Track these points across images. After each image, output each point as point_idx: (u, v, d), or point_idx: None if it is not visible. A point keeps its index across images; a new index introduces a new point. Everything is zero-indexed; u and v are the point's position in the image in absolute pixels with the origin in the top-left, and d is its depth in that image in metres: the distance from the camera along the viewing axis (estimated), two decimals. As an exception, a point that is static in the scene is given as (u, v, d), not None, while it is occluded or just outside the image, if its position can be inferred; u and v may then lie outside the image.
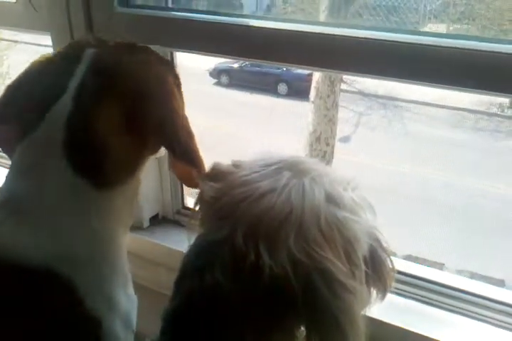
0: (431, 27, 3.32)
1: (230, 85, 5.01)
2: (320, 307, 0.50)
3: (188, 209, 1.14)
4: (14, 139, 0.71)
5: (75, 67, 0.69)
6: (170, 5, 0.96)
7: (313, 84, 3.63)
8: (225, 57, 0.90)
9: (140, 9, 0.91)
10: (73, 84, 0.68)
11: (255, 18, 0.83)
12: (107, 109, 0.69)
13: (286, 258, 0.50)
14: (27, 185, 0.68)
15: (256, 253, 0.50)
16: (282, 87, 4.84)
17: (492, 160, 3.77)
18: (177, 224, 1.13)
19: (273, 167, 0.58)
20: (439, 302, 0.87)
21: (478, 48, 0.67)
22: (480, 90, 0.70)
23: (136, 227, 1.09)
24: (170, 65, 0.79)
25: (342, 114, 3.90)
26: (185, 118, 0.74)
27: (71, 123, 0.67)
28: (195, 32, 0.87)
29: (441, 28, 3.21)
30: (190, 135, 0.74)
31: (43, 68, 0.73)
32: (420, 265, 0.91)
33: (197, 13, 0.87)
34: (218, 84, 4.98)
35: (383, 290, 0.61)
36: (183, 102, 0.77)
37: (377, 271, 0.59)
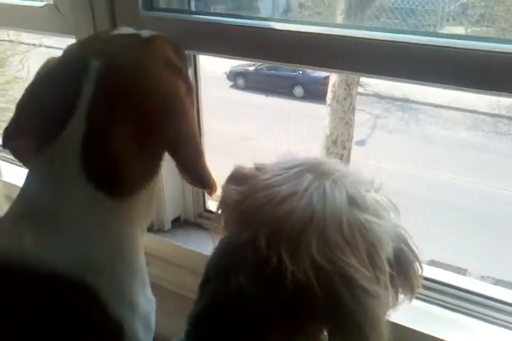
0: (449, 29, 3.31)
1: (246, 88, 5.00)
2: (342, 313, 0.50)
3: (210, 212, 1.15)
4: (29, 152, 0.73)
5: (82, 82, 0.69)
6: (193, 8, 0.97)
7: (330, 88, 3.63)
8: (248, 60, 0.90)
9: (164, 12, 0.92)
10: (84, 100, 0.69)
11: (278, 21, 0.83)
12: (118, 125, 0.70)
13: (309, 263, 0.50)
14: (46, 197, 0.70)
15: (278, 257, 0.51)
16: (298, 90, 4.83)
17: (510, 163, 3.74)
18: (198, 226, 1.15)
19: (295, 169, 0.59)
20: (463, 308, 0.86)
21: (496, 50, 0.67)
22: (497, 92, 0.70)
23: (158, 230, 1.11)
24: (182, 71, 0.77)
25: (358, 116, 3.88)
26: (193, 135, 0.74)
27: (87, 140, 0.69)
28: (219, 35, 0.89)
29: (460, 30, 3.19)
30: (198, 153, 0.74)
31: (51, 81, 0.73)
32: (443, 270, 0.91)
33: (220, 17, 0.88)
34: (234, 86, 4.98)
35: (410, 293, 0.60)
36: (193, 114, 0.77)
37: (404, 272, 0.59)
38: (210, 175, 0.75)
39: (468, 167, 3.70)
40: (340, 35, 0.76)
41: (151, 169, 0.75)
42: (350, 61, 0.78)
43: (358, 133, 3.94)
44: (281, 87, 4.85)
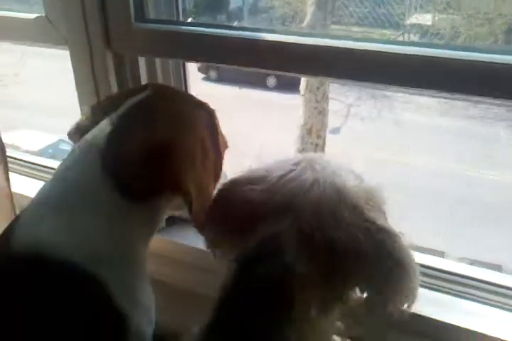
0: (417, 17, 3.39)
1: (219, 80, 4.99)
2: (390, 255, 0.62)
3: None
4: None
5: (129, 99, 0.80)
6: (181, 19, 1.01)
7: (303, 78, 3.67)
8: (233, 67, 0.94)
9: (156, 24, 0.95)
10: (121, 110, 0.79)
11: (263, 32, 0.88)
12: (134, 133, 0.77)
13: (352, 229, 0.62)
14: (64, 189, 0.76)
15: (323, 231, 0.61)
16: (271, 80, 4.84)
17: (480, 147, 3.84)
18: (190, 222, 1.19)
19: (302, 164, 0.69)
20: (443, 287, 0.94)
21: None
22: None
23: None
24: (210, 115, 0.85)
25: (331, 105, 3.94)
26: (192, 159, 0.77)
27: (109, 137, 0.76)
28: (208, 45, 0.92)
29: (428, 18, 3.27)
30: (201, 194, 0.76)
31: (112, 98, 0.86)
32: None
33: (208, 28, 0.92)
34: (207, 79, 4.97)
35: None
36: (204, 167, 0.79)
37: None
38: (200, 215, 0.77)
39: (441, 151, 3.79)
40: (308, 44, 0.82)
41: (162, 180, 0.77)
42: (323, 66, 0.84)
43: (332, 121, 4.01)
44: (254, 78, 4.86)
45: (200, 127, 0.81)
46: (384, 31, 3.29)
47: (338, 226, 0.62)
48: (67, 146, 4.52)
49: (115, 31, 0.98)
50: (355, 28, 3.45)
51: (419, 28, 3.33)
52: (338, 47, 0.81)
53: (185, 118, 0.80)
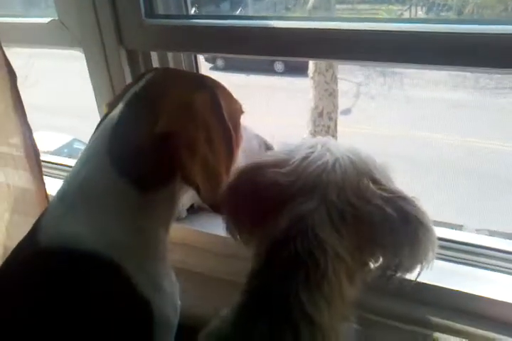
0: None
1: (226, 68, 4.98)
2: (408, 216, 0.66)
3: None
4: None
5: (135, 85, 0.83)
6: (191, 13, 1.03)
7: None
8: (249, 56, 0.96)
9: (166, 19, 0.98)
10: (124, 99, 0.81)
11: (270, 19, 0.90)
12: (139, 122, 0.79)
13: (377, 200, 0.66)
14: (78, 183, 0.78)
15: (352, 206, 0.66)
16: (279, 66, 4.82)
17: (493, 118, 3.81)
18: (210, 211, 1.22)
19: (318, 147, 0.72)
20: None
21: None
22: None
23: (176, 218, 1.18)
24: (212, 93, 0.83)
25: (341, 86, 3.92)
26: (195, 146, 0.77)
27: (115, 129, 0.79)
28: (220, 36, 0.94)
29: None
30: (210, 177, 0.78)
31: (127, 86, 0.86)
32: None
33: (217, 19, 0.95)
34: (214, 68, 4.96)
35: None
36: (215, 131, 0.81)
37: None
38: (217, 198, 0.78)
39: (455, 124, 3.77)
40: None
41: (172, 169, 0.78)
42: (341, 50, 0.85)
43: (342, 102, 3.99)
44: (261, 64, 4.84)
45: (200, 110, 0.80)
46: (390, 7, 3.27)
47: (362, 200, 0.66)
48: (82, 145, 4.59)
49: (127, 28, 1.00)
50: (361, 6, 3.42)
51: (425, 1, 3.30)
52: (346, 30, 0.82)
53: (184, 103, 0.79)
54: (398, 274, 0.68)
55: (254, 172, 0.72)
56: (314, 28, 0.85)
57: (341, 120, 3.89)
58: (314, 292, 0.62)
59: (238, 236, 0.75)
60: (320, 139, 0.75)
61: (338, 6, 3.60)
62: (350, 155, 0.70)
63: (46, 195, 1.08)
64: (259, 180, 0.70)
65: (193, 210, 1.22)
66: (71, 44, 1.07)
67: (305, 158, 0.70)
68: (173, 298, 0.83)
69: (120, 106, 0.80)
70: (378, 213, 0.65)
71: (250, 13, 4.15)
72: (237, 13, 4.11)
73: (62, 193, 0.80)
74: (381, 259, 0.69)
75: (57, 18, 1.06)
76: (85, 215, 0.77)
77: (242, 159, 0.89)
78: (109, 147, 0.78)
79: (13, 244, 0.94)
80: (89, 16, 1.00)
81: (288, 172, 0.69)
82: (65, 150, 4.58)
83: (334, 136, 3.76)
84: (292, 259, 0.63)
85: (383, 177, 0.70)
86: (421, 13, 3.40)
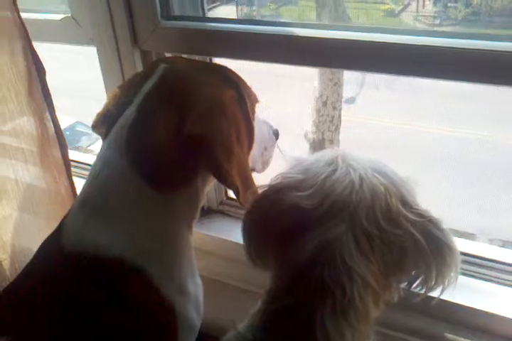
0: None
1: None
2: (437, 241, 0.65)
3: (231, 199, 1.23)
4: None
5: (147, 80, 0.79)
6: (206, 15, 1.01)
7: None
8: (263, 62, 0.95)
9: (182, 21, 0.97)
10: (141, 95, 0.77)
11: (291, 26, 0.89)
12: (160, 120, 0.76)
13: (409, 223, 0.64)
14: (98, 186, 0.78)
15: (381, 230, 0.63)
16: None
17: (501, 111, 3.77)
18: (221, 213, 1.24)
19: (338, 164, 0.68)
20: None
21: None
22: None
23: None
24: (237, 87, 0.81)
25: (346, 74, 3.88)
26: (230, 147, 0.75)
27: (133, 128, 0.77)
28: (234, 41, 0.94)
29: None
30: (243, 177, 0.77)
31: (131, 81, 0.84)
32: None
33: (234, 24, 0.94)
34: (219, 54, 4.86)
35: None
36: (240, 127, 0.79)
37: None
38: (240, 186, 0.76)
39: (461, 116, 3.74)
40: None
41: (192, 168, 0.77)
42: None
43: (347, 91, 3.96)
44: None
45: (230, 108, 0.78)
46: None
47: (391, 223, 0.64)
48: (84, 128, 4.55)
49: (142, 29, 0.99)
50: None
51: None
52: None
53: (215, 102, 0.76)
54: (421, 292, 0.67)
55: (273, 197, 0.69)
56: (344, 39, 0.83)
57: (345, 108, 3.85)
58: (340, 320, 0.61)
59: (256, 259, 0.73)
60: (335, 152, 0.71)
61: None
62: (375, 173, 0.67)
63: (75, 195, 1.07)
64: (280, 204, 0.67)
65: (202, 211, 1.20)
66: (84, 42, 1.06)
67: (327, 177, 0.66)
68: (196, 301, 0.83)
69: (136, 102, 0.77)
70: (408, 238, 0.64)
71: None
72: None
73: (84, 197, 0.79)
74: (405, 280, 0.68)
75: (70, 15, 1.04)
76: (108, 220, 0.76)
77: (255, 146, 0.88)
78: (127, 148, 0.76)
79: (21, 242, 0.94)
80: (102, 15, 0.99)
81: (310, 195, 0.65)
82: (67, 133, 4.55)
83: (338, 126, 3.75)
84: (318, 287, 0.61)
85: (410, 196, 0.67)
86: (428, 3, 3.36)
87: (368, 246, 0.63)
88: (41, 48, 0.94)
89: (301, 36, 0.86)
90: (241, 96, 0.80)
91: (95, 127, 0.86)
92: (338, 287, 0.61)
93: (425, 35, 0.79)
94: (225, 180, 0.75)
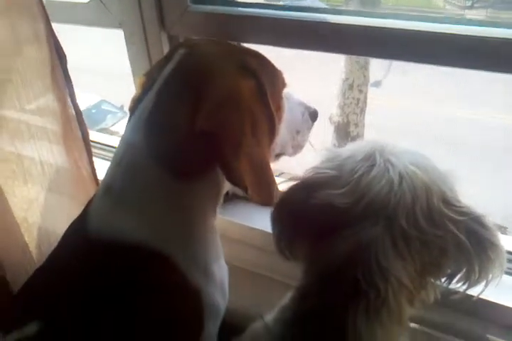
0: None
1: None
2: (481, 239, 0.62)
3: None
4: None
5: (168, 63, 0.78)
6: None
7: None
8: (293, 49, 0.92)
9: (212, 6, 0.95)
10: (160, 79, 0.77)
11: (321, 12, 0.87)
12: (176, 108, 0.75)
13: (450, 223, 0.61)
14: (122, 173, 0.78)
15: (422, 232, 0.60)
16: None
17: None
18: (245, 199, 1.23)
19: (375, 159, 0.64)
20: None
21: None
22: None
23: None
24: (257, 76, 0.78)
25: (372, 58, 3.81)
26: (241, 144, 0.72)
27: (152, 113, 0.76)
28: (264, 26, 0.92)
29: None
30: (256, 171, 0.74)
31: (155, 66, 0.83)
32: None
33: (264, 9, 0.92)
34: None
35: None
36: (258, 120, 0.76)
37: None
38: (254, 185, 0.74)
39: (491, 101, 3.65)
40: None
41: (210, 157, 0.74)
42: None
43: (373, 74, 3.90)
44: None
45: (247, 101, 0.74)
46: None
47: (432, 224, 0.61)
48: (110, 106, 4.58)
49: (170, 13, 0.98)
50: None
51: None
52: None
53: (229, 95, 0.74)
54: (460, 289, 0.65)
55: (305, 194, 0.66)
56: (366, 26, 0.81)
57: (371, 92, 3.80)
58: (373, 321, 0.60)
59: (285, 251, 0.72)
60: (373, 145, 0.67)
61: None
62: (415, 169, 0.63)
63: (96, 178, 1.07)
64: (311, 200, 0.64)
65: (226, 197, 1.19)
66: (111, 25, 1.05)
67: (364, 175, 0.63)
68: (222, 284, 0.83)
69: (155, 87, 0.76)
70: (450, 239, 0.60)
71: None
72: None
73: (107, 183, 0.80)
74: (442, 277, 0.65)
75: (98, -2, 1.03)
76: (132, 207, 0.77)
77: (283, 131, 0.86)
78: (148, 134, 0.76)
79: (46, 225, 0.95)
80: (130, -2, 0.97)
81: (345, 193, 0.62)
82: (93, 111, 4.59)
83: (363, 109, 3.71)
84: (351, 288, 0.59)
85: (452, 192, 0.63)
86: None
87: (405, 247, 0.60)
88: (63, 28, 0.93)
89: (331, 23, 0.84)
90: (262, 88, 0.77)
91: (131, 111, 0.85)
92: (372, 288, 0.59)
93: (455, 23, 0.77)
94: (231, 179, 0.73)
